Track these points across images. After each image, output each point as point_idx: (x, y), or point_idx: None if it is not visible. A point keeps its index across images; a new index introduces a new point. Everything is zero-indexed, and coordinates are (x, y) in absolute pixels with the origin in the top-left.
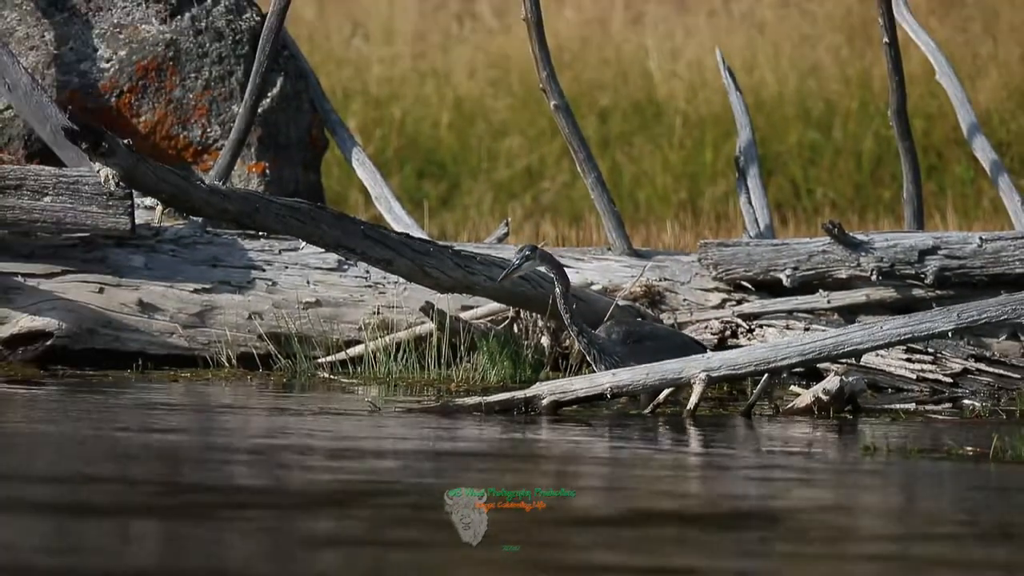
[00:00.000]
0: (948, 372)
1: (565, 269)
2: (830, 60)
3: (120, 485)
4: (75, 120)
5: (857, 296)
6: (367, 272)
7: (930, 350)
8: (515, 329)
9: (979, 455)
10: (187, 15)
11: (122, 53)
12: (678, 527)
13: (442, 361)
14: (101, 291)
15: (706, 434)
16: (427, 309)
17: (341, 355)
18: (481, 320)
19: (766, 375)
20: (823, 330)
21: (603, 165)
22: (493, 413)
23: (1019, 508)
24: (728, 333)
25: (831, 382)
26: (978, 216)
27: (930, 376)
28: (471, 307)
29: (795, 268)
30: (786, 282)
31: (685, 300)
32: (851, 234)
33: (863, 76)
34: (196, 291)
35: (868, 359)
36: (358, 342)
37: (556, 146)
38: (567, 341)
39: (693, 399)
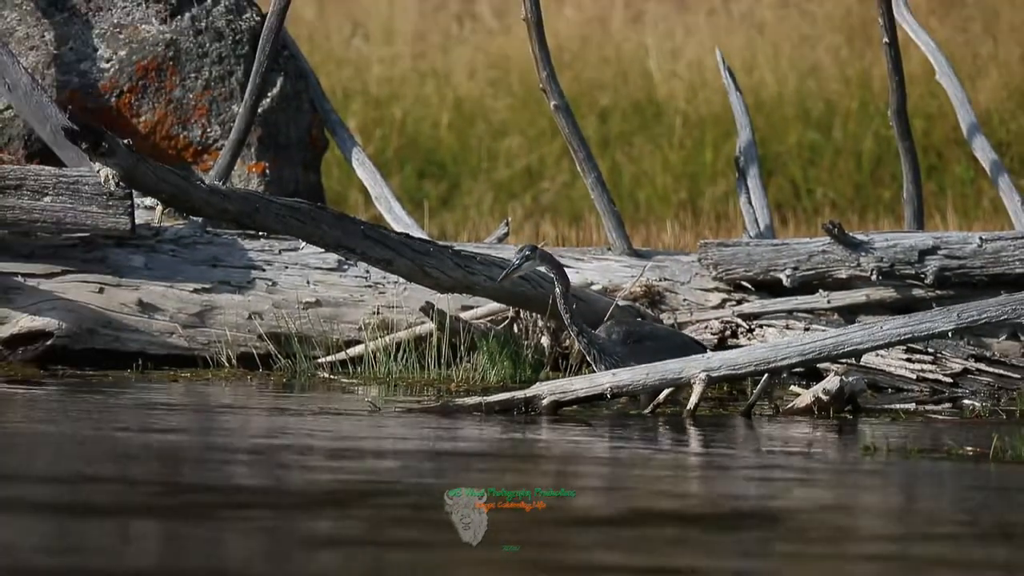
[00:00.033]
0: (948, 372)
1: (565, 269)
2: (830, 60)
3: (120, 485)
4: (75, 120)
5: (857, 296)
6: (367, 272)
7: (930, 350)
8: (515, 329)
9: (979, 455)
10: (187, 15)
11: (122, 53)
12: (678, 527)
13: (442, 361)
14: (101, 291)
15: (706, 434)
16: (427, 309)
17: (341, 355)
18: (481, 320)
19: (766, 375)
20: (823, 330)
21: (603, 165)
22: (493, 413)
23: (1019, 508)
24: (728, 333)
25: (831, 382)
26: (978, 216)
27: (930, 376)
28: (471, 307)
29: (795, 268)
30: (786, 282)
31: (685, 300)
32: (851, 234)
33: (863, 76)
34: (196, 291)
35: (868, 359)
36: (358, 342)
37: (556, 146)
38: (567, 341)
39: (693, 399)
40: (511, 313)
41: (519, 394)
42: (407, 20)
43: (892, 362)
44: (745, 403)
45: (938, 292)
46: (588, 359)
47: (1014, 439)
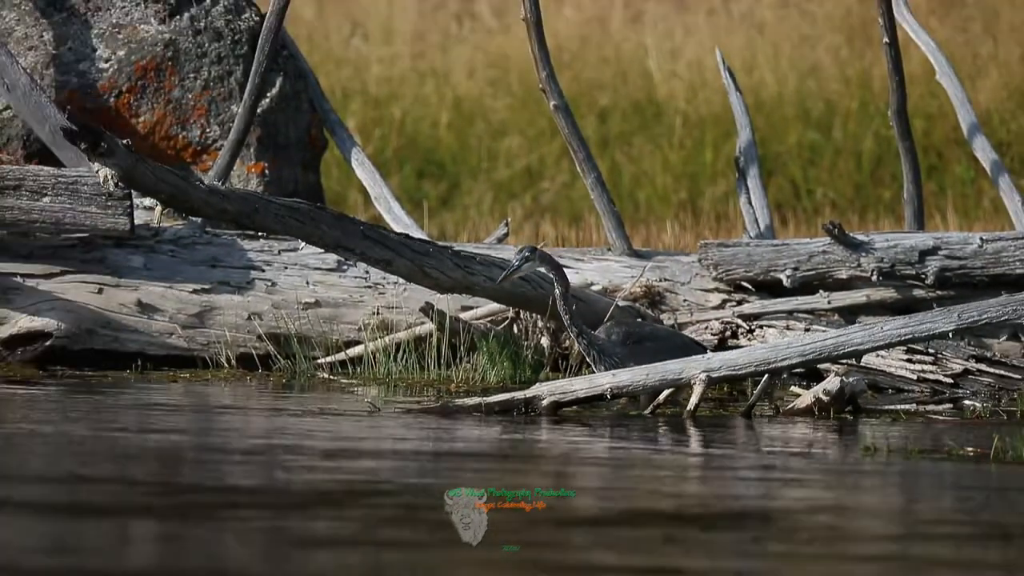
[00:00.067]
0: (949, 373)
1: (564, 270)
2: (830, 60)
3: (118, 486)
4: (74, 120)
5: (857, 296)
6: (367, 272)
7: (931, 351)
8: (515, 330)
9: (980, 456)
10: (186, 15)
11: (121, 53)
12: (678, 528)
13: (442, 361)
14: (100, 291)
15: (706, 435)
16: (427, 309)
17: (341, 356)
18: (481, 320)
19: (766, 376)
20: (823, 331)
21: (603, 165)
22: (493, 414)
23: (1020, 509)
24: (728, 334)
25: (831, 383)
26: (978, 216)
27: (931, 377)
28: (471, 307)
29: (795, 268)
30: (786, 282)
31: (685, 300)
32: (851, 234)
33: (863, 76)
34: (195, 291)
35: (868, 360)
36: (358, 342)
37: (556, 146)
38: (567, 342)
39: (693, 400)
40: (511, 314)
41: (519, 395)
42: (406, 20)
43: (893, 363)
44: (745, 404)
45: (939, 292)
46: (588, 360)
47: (1015, 440)
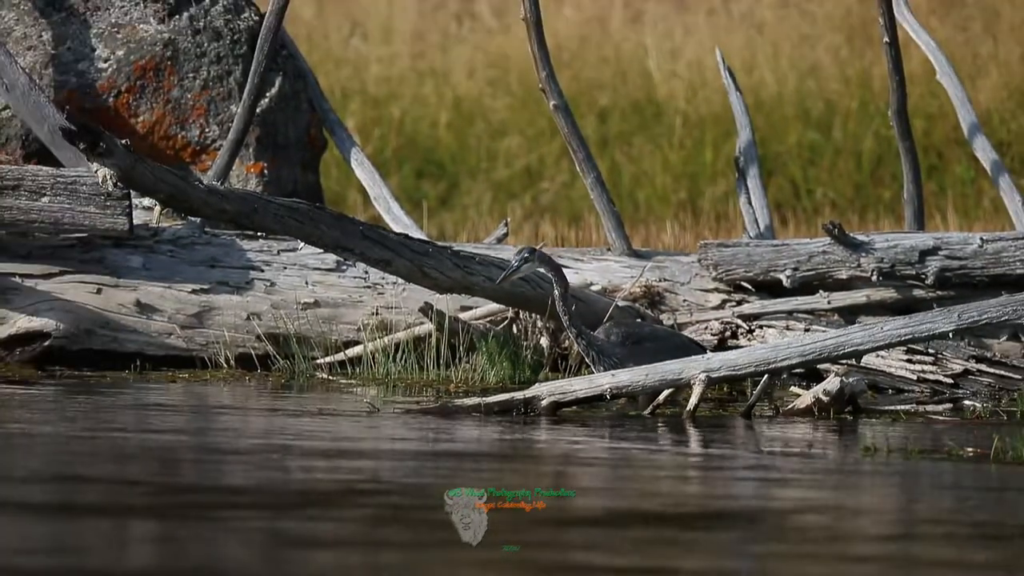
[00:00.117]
0: (949, 373)
1: (564, 270)
2: (830, 60)
3: (117, 486)
4: (73, 120)
5: (857, 297)
6: (366, 272)
7: (931, 351)
8: (514, 330)
9: (980, 456)
10: (185, 15)
11: (120, 53)
12: (678, 528)
13: (441, 362)
14: (99, 292)
15: (706, 435)
16: (426, 310)
17: (340, 356)
18: (480, 321)
19: (766, 376)
20: (823, 331)
21: (602, 165)
22: (492, 414)
23: (1020, 509)
24: (728, 334)
25: (831, 383)
26: (979, 216)
27: (931, 377)
28: (470, 308)
29: (795, 269)
30: (786, 283)
31: (685, 301)
32: (851, 234)
33: (863, 76)
34: (194, 292)
35: (868, 360)
36: (357, 343)
37: (555, 146)
38: (566, 342)
39: (693, 400)
40: (510, 314)
41: (518, 395)
42: (406, 19)
43: (892, 363)
44: (745, 404)
45: (939, 293)
46: (587, 360)
47: (1015, 440)
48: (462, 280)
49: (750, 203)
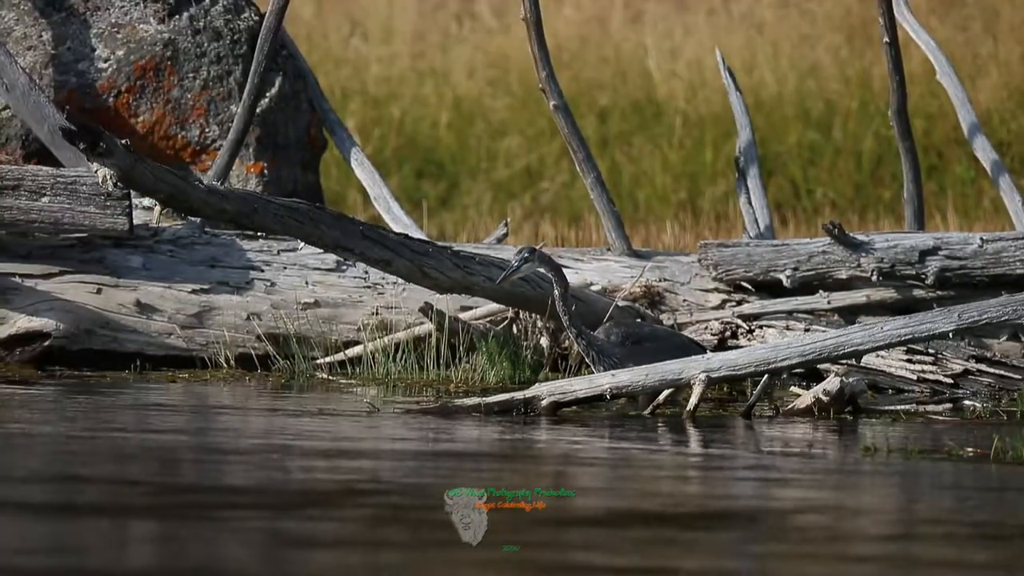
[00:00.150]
0: (949, 373)
1: (564, 271)
2: (830, 60)
3: (117, 486)
4: (73, 120)
5: (857, 297)
6: (366, 273)
7: (931, 351)
8: (514, 330)
9: (980, 456)
10: (185, 15)
11: (120, 53)
12: (678, 528)
13: (441, 362)
14: (99, 292)
15: (706, 435)
16: (426, 310)
17: (340, 356)
18: (480, 321)
19: (766, 376)
20: (823, 331)
21: (602, 165)
22: (492, 414)
23: (1020, 509)
24: (728, 334)
25: (831, 383)
26: (979, 216)
27: (931, 377)
28: (470, 308)
29: (795, 269)
30: (786, 283)
31: (685, 301)
32: (851, 234)
33: (863, 76)
34: (194, 292)
35: (868, 360)
36: (357, 343)
37: (555, 146)
38: (566, 342)
39: (693, 400)
40: (510, 314)
41: (518, 395)
42: (406, 19)
43: (892, 363)
44: (745, 404)
45: (939, 293)
46: (587, 360)
47: (1015, 440)
48: (462, 280)
49: (750, 203)
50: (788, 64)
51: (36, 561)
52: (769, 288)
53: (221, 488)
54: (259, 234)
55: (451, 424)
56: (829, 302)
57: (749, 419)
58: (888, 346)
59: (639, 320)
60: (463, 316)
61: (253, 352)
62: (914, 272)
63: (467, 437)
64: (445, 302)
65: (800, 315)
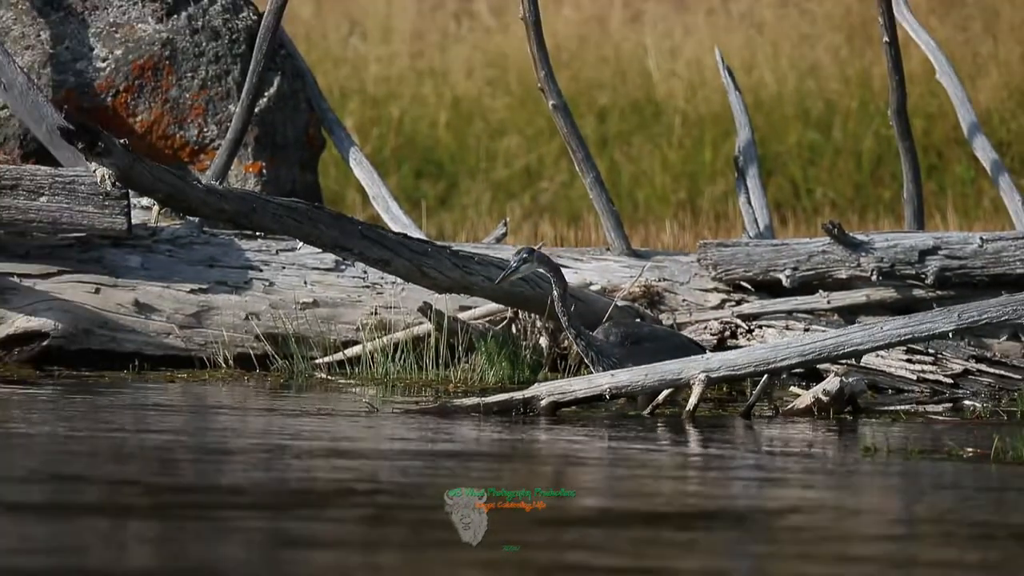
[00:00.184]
0: (949, 373)
1: (563, 271)
2: (830, 59)
3: (115, 486)
4: (71, 120)
5: (857, 296)
6: (365, 272)
7: (931, 351)
8: (513, 330)
9: (980, 456)
10: (183, 14)
11: (118, 52)
12: (678, 528)
13: (440, 362)
14: (97, 291)
15: (705, 435)
16: (425, 309)
17: (339, 356)
18: (479, 320)
19: (766, 376)
20: (823, 331)
21: (602, 165)
22: (491, 414)
23: (1020, 509)
24: (727, 334)
25: (831, 383)
26: (979, 216)
27: (930, 377)
28: (469, 307)
29: (795, 268)
30: (786, 282)
31: (684, 300)
32: (851, 234)
33: (863, 75)
34: (193, 291)
35: (868, 360)
36: (356, 343)
37: (554, 146)
38: (565, 342)
39: (692, 400)
40: (509, 313)
41: (517, 395)
42: (405, 19)
43: (892, 363)
44: (745, 404)
45: (938, 292)
46: (586, 361)
47: (1015, 440)
48: (461, 280)
49: (749, 203)
50: (788, 64)
51: (35, 561)
52: (769, 288)
53: (220, 488)
54: (258, 234)
55: (450, 424)
56: (829, 302)
57: (749, 419)
58: (888, 346)
59: (638, 320)
60: (462, 316)
61: (252, 352)
62: (914, 272)
63: (466, 437)
64: (444, 302)
65: (800, 315)
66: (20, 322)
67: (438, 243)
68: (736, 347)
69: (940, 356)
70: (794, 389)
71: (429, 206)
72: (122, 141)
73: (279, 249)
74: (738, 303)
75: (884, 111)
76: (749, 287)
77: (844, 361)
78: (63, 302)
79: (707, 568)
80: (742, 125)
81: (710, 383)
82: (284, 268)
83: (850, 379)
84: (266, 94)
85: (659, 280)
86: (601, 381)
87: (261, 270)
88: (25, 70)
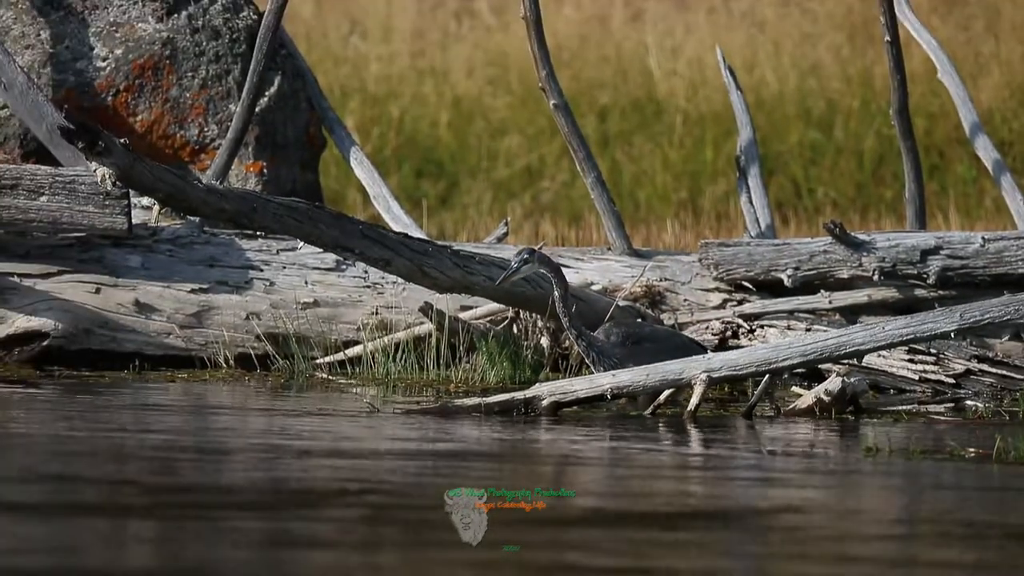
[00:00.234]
0: (950, 373)
1: (563, 271)
2: (831, 59)
3: (115, 486)
4: (71, 119)
5: (859, 296)
6: (365, 272)
7: (932, 351)
8: (514, 329)
9: (982, 456)
10: (184, 13)
11: (118, 52)
12: (678, 528)
13: (441, 362)
14: (97, 291)
15: (707, 435)
16: (426, 309)
17: (339, 356)
18: (480, 320)
19: (767, 376)
20: (825, 331)
21: (603, 164)
22: (492, 414)
23: (1022, 510)
24: (729, 333)
25: (833, 383)
26: (980, 216)
27: (932, 377)
28: (470, 307)
29: (796, 268)
30: (787, 282)
31: (686, 300)
32: (853, 234)
33: (864, 75)
34: (193, 291)
35: (870, 360)
36: (356, 342)
37: (555, 145)
38: (567, 342)
39: (694, 400)
40: (510, 313)
41: (519, 395)
42: (405, 18)
43: (894, 363)
44: (746, 404)
45: (940, 292)
46: (587, 362)
47: (1017, 440)
48: (462, 280)
49: (751, 202)
50: (789, 63)
51: (35, 561)
52: (770, 288)
53: (220, 488)
54: (258, 233)
55: (451, 424)
56: (830, 302)
57: (750, 419)
58: (890, 346)
59: (639, 320)
60: (463, 316)
61: (252, 352)
62: (916, 272)
63: (467, 437)
64: (445, 302)
65: (801, 315)
66: (20, 322)
67: (439, 243)
68: (738, 347)
69: (942, 356)
70: (796, 389)
71: (430, 206)
72: (122, 141)
73: (280, 249)
74: (740, 303)
75: (886, 110)
76: (751, 287)
77: (846, 361)
78: (63, 302)
79: (708, 568)
80: (743, 124)
81: (712, 383)
82: (285, 268)
83: (852, 379)
84: (267, 93)
85: (660, 280)
86: (603, 381)
87: (262, 270)
88: (25, 69)
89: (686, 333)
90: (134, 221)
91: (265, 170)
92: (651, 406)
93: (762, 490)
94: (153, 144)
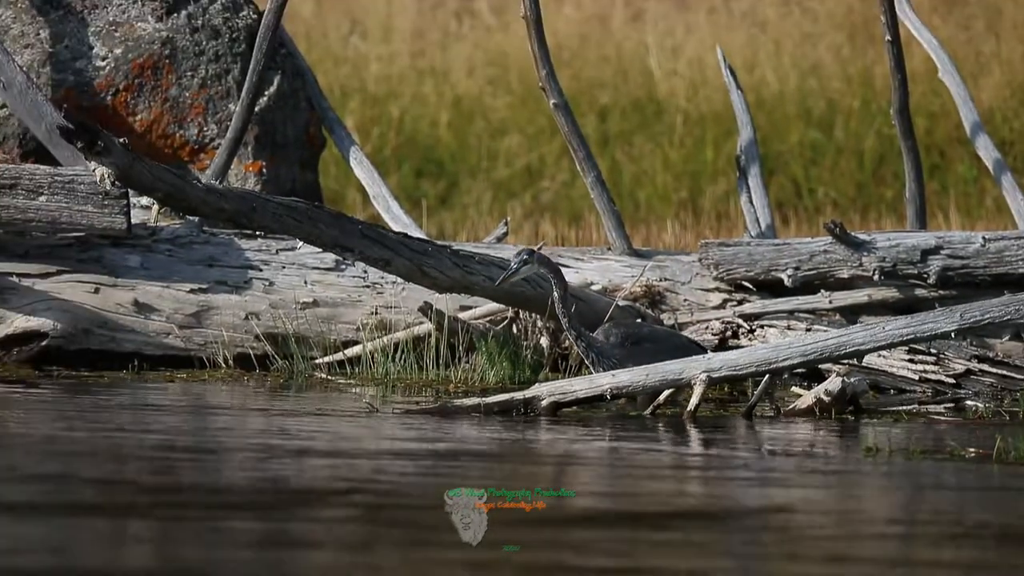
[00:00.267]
0: (951, 373)
1: (563, 271)
2: (832, 58)
3: (114, 486)
4: (70, 119)
5: (859, 296)
6: (365, 272)
7: (933, 351)
8: (514, 329)
9: (982, 456)
10: (183, 13)
11: (118, 51)
12: (678, 528)
13: (440, 362)
14: (97, 291)
15: (706, 435)
16: (425, 309)
17: (339, 356)
18: (480, 320)
19: (767, 376)
20: (825, 330)
21: (603, 164)
22: (492, 414)
23: (1022, 510)
24: (729, 333)
25: (833, 383)
26: (981, 215)
27: (932, 377)
28: (470, 307)
29: (796, 268)
30: (787, 282)
31: (686, 300)
32: (853, 234)
33: (865, 74)
34: (192, 291)
35: (870, 360)
36: (356, 342)
37: (555, 145)
38: (566, 342)
39: (694, 400)
40: (510, 313)
41: (518, 395)
42: (405, 18)
43: (894, 363)
44: (746, 404)
45: (941, 292)
46: (587, 362)
47: (1017, 440)
48: (461, 279)
49: (751, 202)
50: (790, 62)
51: (33, 561)
52: (770, 288)
53: (218, 488)
54: (257, 233)
55: (450, 424)
56: (831, 302)
57: (750, 419)
58: (890, 346)
59: (639, 320)
60: (462, 316)
61: (251, 352)
62: (916, 271)
63: (466, 437)
64: (444, 301)
65: (801, 315)
66: (19, 322)
67: (439, 243)
68: (738, 347)
69: (942, 356)
70: (796, 389)
71: (430, 205)
72: (121, 140)
73: (279, 249)
74: (740, 303)
75: (886, 110)
76: (751, 287)
77: (846, 361)
78: (62, 302)
79: (707, 568)
80: (744, 124)
81: (711, 383)
82: (284, 268)
83: (852, 379)
84: (266, 93)
85: (660, 280)
86: (602, 381)
87: (261, 270)
88: (24, 69)
89: (686, 333)
90: (133, 221)
91: (264, 170)
92: (651, 406)
93: (762, 490)
94: (152, 144)
